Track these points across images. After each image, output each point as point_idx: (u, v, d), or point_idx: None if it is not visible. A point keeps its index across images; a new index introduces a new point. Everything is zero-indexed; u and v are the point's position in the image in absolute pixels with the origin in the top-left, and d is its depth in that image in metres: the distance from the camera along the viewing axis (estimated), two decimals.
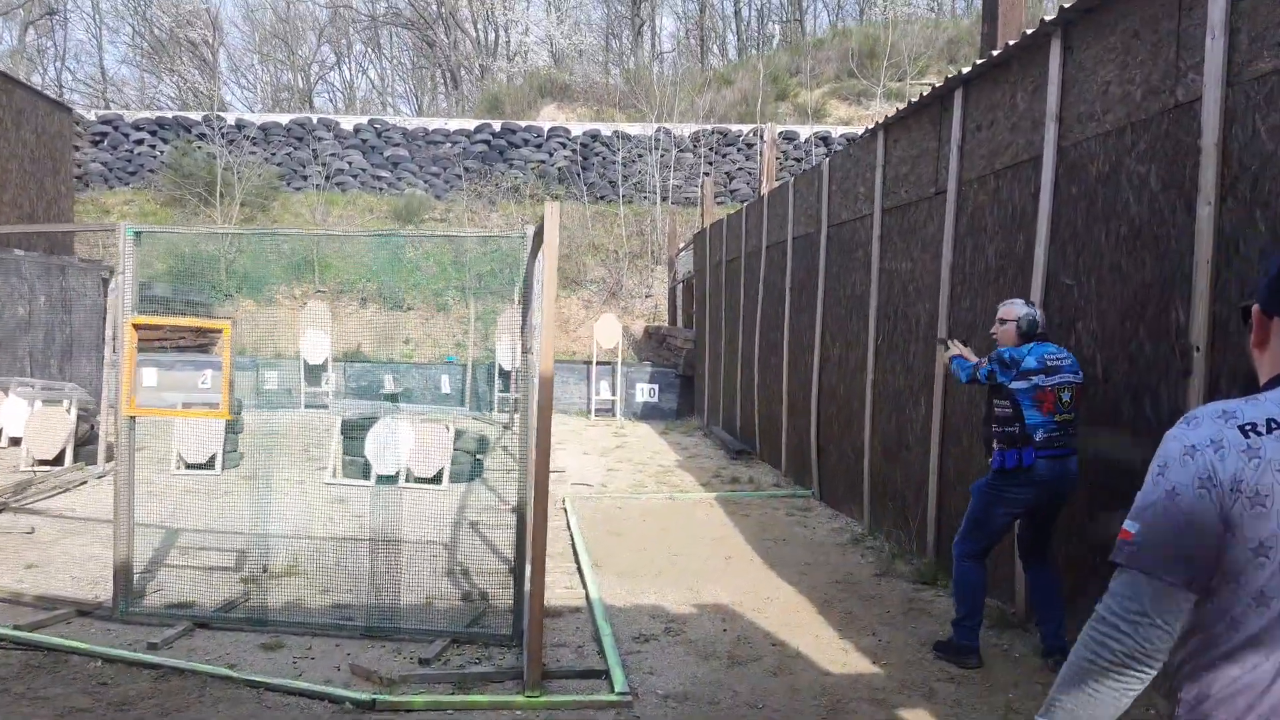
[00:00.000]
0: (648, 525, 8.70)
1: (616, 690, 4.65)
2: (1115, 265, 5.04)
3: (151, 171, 25.00)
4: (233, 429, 10.99)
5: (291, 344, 18.80)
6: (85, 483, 10.16)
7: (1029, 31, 5.83)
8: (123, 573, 5.78)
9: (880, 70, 27.51)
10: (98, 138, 25.40)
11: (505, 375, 16.53)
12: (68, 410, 11.08)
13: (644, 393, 17.39)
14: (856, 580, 6.88)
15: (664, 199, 24.55)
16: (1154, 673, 1.59)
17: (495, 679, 4.87)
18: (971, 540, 5.14)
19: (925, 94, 7.20)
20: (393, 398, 17.46)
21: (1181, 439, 1.61)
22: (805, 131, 25.42)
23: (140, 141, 25.59)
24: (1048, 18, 5.55)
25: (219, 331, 20.76)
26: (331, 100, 47.35)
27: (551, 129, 26.26)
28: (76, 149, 24.05)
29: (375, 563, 6.62)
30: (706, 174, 23.86)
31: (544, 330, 4.37)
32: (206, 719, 4.39)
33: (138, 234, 5.74)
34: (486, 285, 20.50)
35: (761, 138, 19.09)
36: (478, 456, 10.86)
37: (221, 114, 26.65)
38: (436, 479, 10.26)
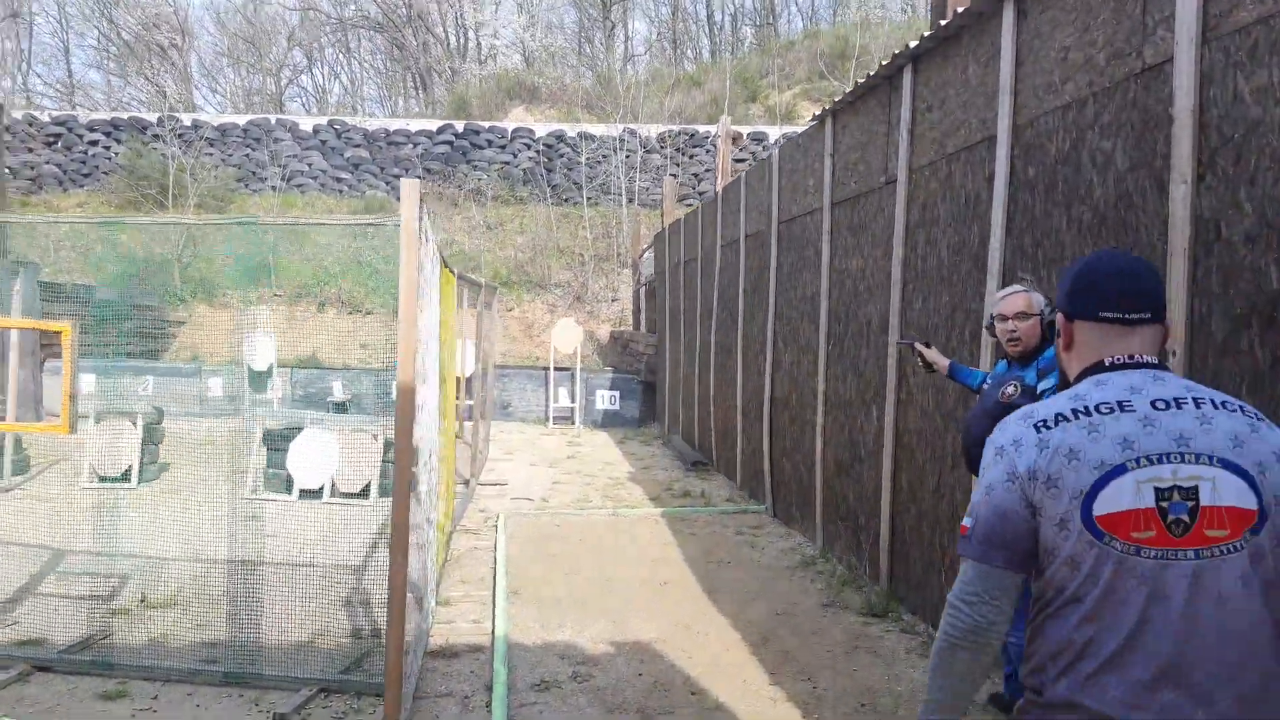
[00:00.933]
0: (584, 545, 8.01)
1: None
2: (1079, 256, 4.40)
3: (106, 173, 24.18)
4: (152, 439, 10.25)
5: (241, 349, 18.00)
6: None
7: None
8: None
9: (850, 71, 26.95)
10: (51, 139, 24.59)
11: (467, 382, 15.83)
12: None
13: (604, 400, 16.71)
14: (800, 612, 6.21)
15: (630, 201, 23.89)
16: (996, 642, 1.87)
17: None
18: None
19: (872, 73, 6.56)
20: (341, 407, 16.72)
21: (993, 443, 1.92)
22: (775, 132, 24.82)
23: (95, 143, 24.80)
24: None
25: (173, 336, 20.05)
26: (304, 105, 46.53)
27: (516, 130, 25.58)
28: (7, 146, 23.17)
29: (265, 591, 5.93)
30: (672, 174, 23.23)
31: (402, 332, 3.69)
32: None
33: None
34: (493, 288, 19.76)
35: (717, 133, 18.42)
36: (412, 469, 10.13)
37: (176, 115, 25.88)
38: (364, 493, 9.56)
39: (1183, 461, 1.78)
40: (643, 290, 19.45)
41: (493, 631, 5.64)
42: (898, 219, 6.26)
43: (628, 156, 24.30)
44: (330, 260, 22.32)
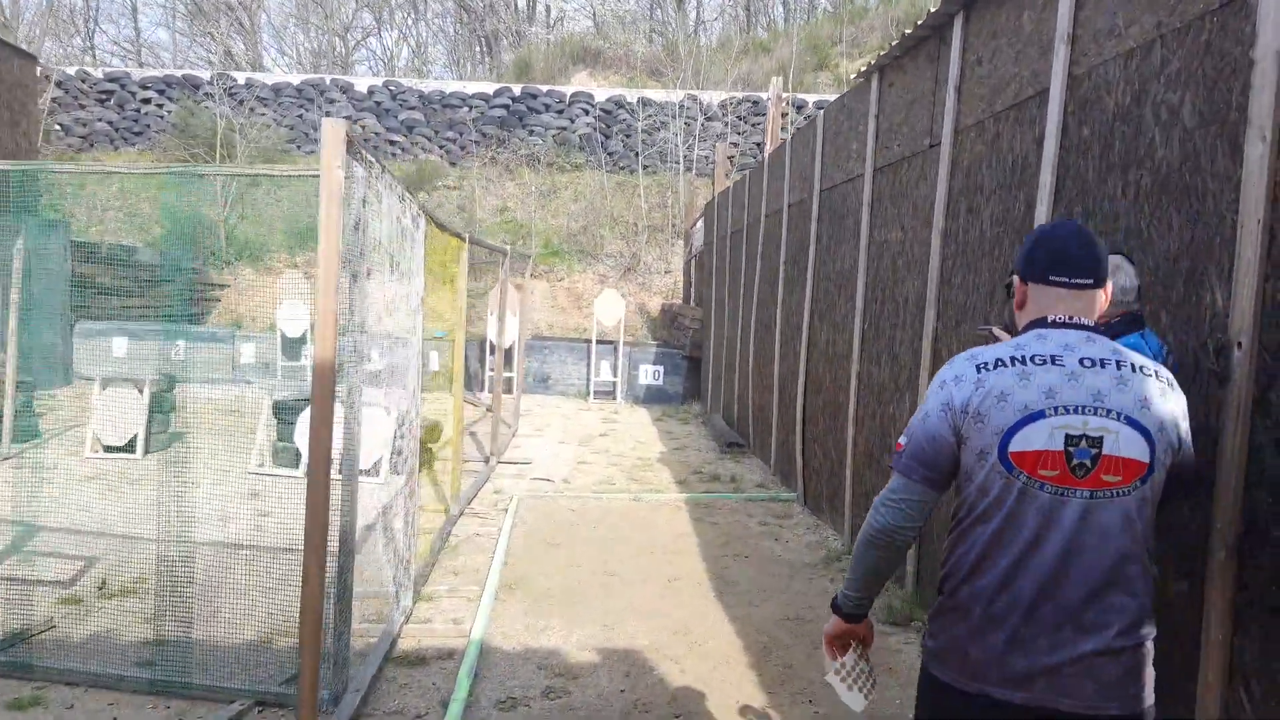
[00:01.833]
0: (597, 533, 7.49)
1: None
2: (1134, 230, 3.73)
3: (159, 132, 24.06)
4: (160, 408, 9.93)
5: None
6: None
7: None
8: None
9: None
10: (104, 96, 24.51)
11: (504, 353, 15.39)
12: None
13: (648, 375, 16.14)
14: (814, 617, 5.62)
15: (689, 169, 23.16)
16: (903, 544, 2.24)
17: None
18: None
19: (920, 23, 5.86)
20: (375, 377, 16.36)
21: (940, 375, 2.22)
22: None
23: (148, 100, 24.64)
24: None
25: (217, 300, 19.86)
26: (372, 68, 46.19)
27: (574, 94, 24.92)
28: (58, 103, 23.12)
29: (231, 581, 5.51)
30: (733, 142, 22.48)
31: (321, 304, 3.16)
32: None
33: None
34: (496, 257, 19.31)
35: (768, 96, 17.65)
36: (428, 445, 9.71)
37: (229, 74, 25.69)
38: (374, 471, 9.13)
39: (1094, 415, 2.06)
40: (693, 262, 18.81)
41: (470, 634, 5.15)
42: (940, 185, 5.59)
43: (687, 124, 23.56)
44: (376, 225, 21.96)
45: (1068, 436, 2.04)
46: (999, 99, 4.95)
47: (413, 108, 24.83)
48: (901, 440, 2.22)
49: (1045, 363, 2.10)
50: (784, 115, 17.49)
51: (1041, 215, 4.36)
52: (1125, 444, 2.05)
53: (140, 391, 9.65)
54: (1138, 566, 2.09)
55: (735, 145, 22.86)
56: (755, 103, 24.40)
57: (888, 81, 6.67)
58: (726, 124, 23.95)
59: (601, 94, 25.05)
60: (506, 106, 24.70)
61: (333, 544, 3.96)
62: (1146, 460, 2.06)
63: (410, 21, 47.59)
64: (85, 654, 4.62)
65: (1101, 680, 2.07)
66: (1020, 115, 4.71)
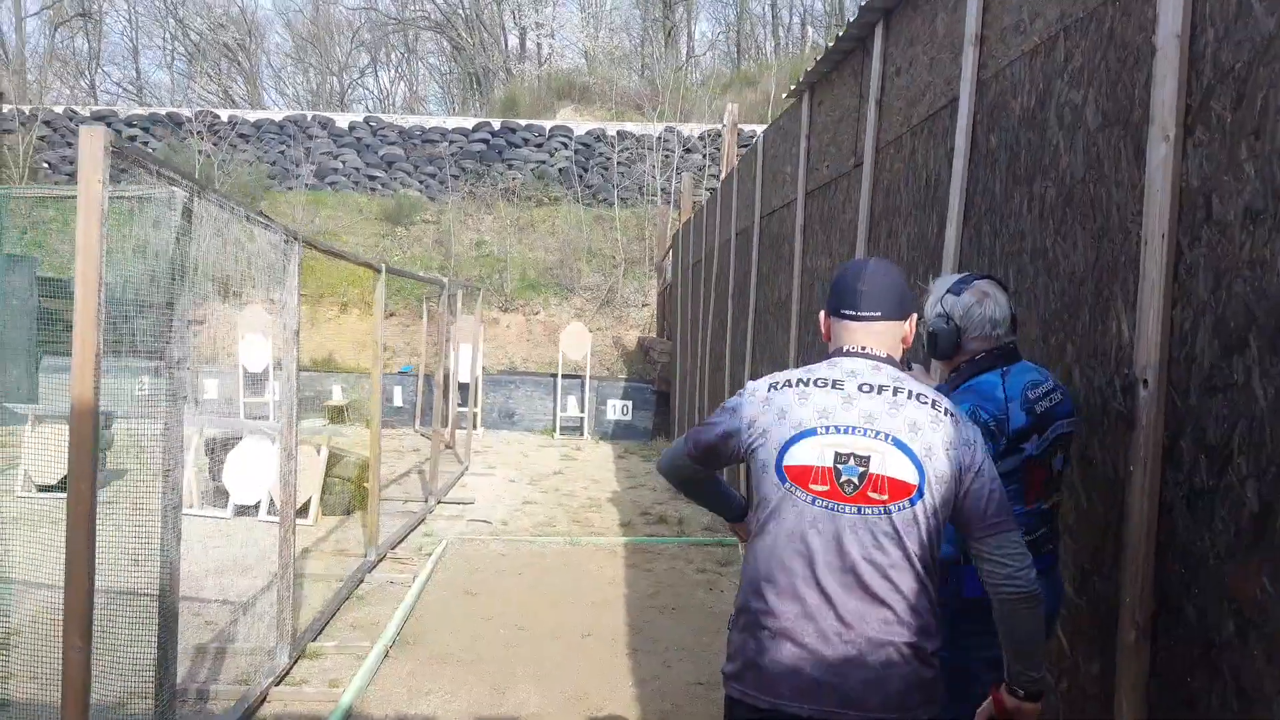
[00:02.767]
0: (520, 581, 6.99)
1: None
2: (1040, 249, 3.28)
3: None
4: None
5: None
6: None
7: None
8: None
9: None
10: None
11: (464, 388, 14.93)
12: None
13: (616, 410, 15.66)
14: None
15: (667, 202, 22.79)
16: (685, 470, 2.45)
17: None
18: None
19: (841, 35, 5.44)
20: (339, 412, 15.94)
21: (744, 387, 2.34)
22: None
23: (133, 138, 24.39)
24: None
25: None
26: (368, 106, 46.01)
27: (554, 128, 24.63)
28: (7, 132, 22.96)
29: (115, 633, 5.00)
30: (708, 172, 22.14)
31: (77, 335, 2.71)
32: None
33: None
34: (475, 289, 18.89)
35: (723, 121, 17.30)
36: (364, 485, 9.23)
37: (212, 110, 25.46)
38: (303, 512, 8.64)
39: (864, 435, 2.15)
40: (666, 294, 18.40)
41: (339, 700, 4.65)
42: (862, 208, 5.15)
43: (666, 156, 23.22)
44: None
45: (837, 454, 2.13)
46: (915, 111, 4.53)
47: (393, 143, 24.56)
48: (710, 419, 2.35)
49: (825, 385, 2.21)
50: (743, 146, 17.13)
51: (951, 237, 3.91)
52: (892, 465, 2.12)
53: None
54: (910, 581, 2.13)
55: (696, 176, 22.47)
56: (737, 135, 24.07)
57: (818, 100, 6.26)
58: (705, 155, 23.63)
59: (582, 128, 24.77)
60: (486, 141, 24.41)
61: (156, 590, 3.48)
62: (915, 482, 2.11)
63: (405, 60, 47.62)
64: None
65: (885, 690, 2.10)
66: (934, 128, 4.28)
